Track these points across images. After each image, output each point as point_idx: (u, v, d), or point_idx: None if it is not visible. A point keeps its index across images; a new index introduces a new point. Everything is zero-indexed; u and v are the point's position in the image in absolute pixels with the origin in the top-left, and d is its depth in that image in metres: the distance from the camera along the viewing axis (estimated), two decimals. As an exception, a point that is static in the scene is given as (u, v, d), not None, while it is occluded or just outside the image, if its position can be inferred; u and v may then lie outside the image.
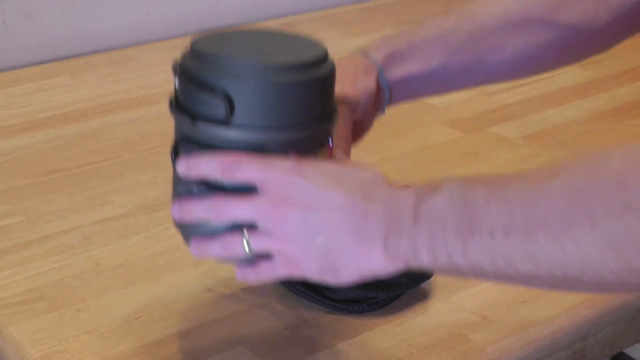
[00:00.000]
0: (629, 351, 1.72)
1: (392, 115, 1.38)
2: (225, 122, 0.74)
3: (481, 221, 0.66)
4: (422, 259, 0.68)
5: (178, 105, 0.78)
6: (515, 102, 1.40)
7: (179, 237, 1.05)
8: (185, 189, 0.78)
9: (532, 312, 0.91)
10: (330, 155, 0.83)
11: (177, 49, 1.77)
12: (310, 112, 0.77)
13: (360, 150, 1.19)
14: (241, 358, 0.86)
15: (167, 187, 1.16)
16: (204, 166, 0.74)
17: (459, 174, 1.11)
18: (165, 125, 1.34)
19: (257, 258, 0.74)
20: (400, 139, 1.25)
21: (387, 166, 1.20)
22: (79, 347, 0.87)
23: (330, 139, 0.81)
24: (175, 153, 0.78)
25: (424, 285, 0.95)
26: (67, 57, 1.61)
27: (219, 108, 0.74)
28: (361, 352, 0.87)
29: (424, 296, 0.94)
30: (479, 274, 0.68)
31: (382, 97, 0.94)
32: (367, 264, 0.70)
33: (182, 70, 0.76)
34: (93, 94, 1.45)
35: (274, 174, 0.72)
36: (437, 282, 0.96)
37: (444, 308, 0.93)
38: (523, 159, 1.22)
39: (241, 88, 0.74)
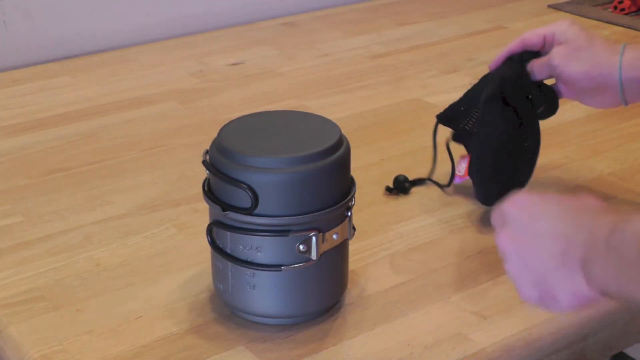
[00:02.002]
0: (629, 351, 1.72)
1: (392, 115, 1.38)
2: (251, 211, 0.83)
3: None
4: (611, 288, 0.70)
5: (211, 192, 0.87)
6: (515, 102, 1.40)
7: (179, 237, 1.05)
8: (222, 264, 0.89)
9: (532, 312, 0.91)
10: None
11: (177, 49, 1.78)
12: (328, 194, 0.86)
13: (361, 150, 1.19)
14: (241, 358, 0.86)
15: (167, 187, 1.16)
16: None
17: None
18: (165, 125, 1.35)
19: None
20: (400, 139, 1.25)
21: (387, 166, 1.20)
22: (79, 347, 0.87)
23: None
24: (210, 233, 0.88)
25: (423, 285, 0.95)
26: (67, 57, 1.61)
27: (245, 199, 0.83)
28: (361, 352, 0.87)
29: (424, 296, 0.94)
30: None
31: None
32: (578, 288, 0.72)
33: (211, 165, 0.86)
34: (93, 94, 1.45)
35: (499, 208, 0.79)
36: (437, 281, 0.96)
37: (444, 308, 0.93)
38: (523, 159, 1.22)
39: (263, 181, 0.83)
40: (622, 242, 0.68)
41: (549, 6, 1.86)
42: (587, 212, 0.74)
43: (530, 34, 1.07)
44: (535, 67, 1.06)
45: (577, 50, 1.03)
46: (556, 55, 1.04)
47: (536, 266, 0.74)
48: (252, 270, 0.86)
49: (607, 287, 0.70)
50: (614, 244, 0.68)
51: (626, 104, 1.04)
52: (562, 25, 1.05)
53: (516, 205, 0.77)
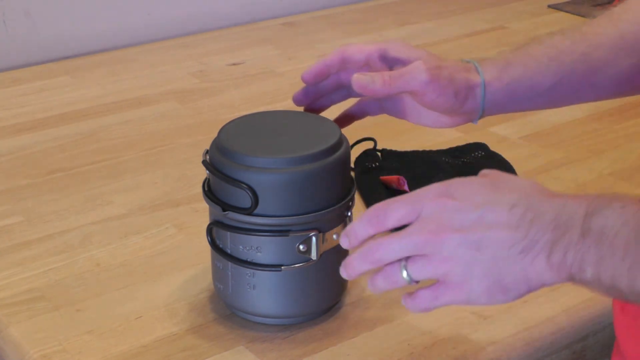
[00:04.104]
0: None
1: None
2: (251, 211, 0.83)
3: None
4: (586, 275, 0.66)
5: (211, 192, 0.87)
6: (515, 102, 1.40)
7: (178, 237, 1.05)
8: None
9: (532, 312, 0.91)
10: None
11: (177, 49, 1.78)
12: (328, 194, 0.86)
13: (361, 150, 1.19)
14: (241, 358, 0.86)
15: (167, 187, 1.16)
16: (360, 233, 0.74)
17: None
18: (165, 125, 1.34)
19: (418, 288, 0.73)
20: (400, 139, 1.25)
21: (387, 166, 1.20)
22: (79, 347, 0.87)
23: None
24: (210, 233, 0.88)
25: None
26: (67, 57, 1.61)
27: (245, 199, 0.83)
28: (361, 352, 0.87)
29: (424, 296, 0.94)
30: None
31: (474, 108, 0.91)
32: (535, 274, 0.68)
33: (211, 165, 0.86)
34: (93, 94, 1.45)
35: (424, 204, 0.71)
36: (437, 282, 0.96)
37: (444, 308, 0.92)
38: (523, 159, 1.22)
39: (263, 181, 0.83)
40: (605, 228, 0.65)
41: (549, 6, 1.86)
42: (539, 195, 0.69)
43: (353, 48, 0.94)
44: (386, 82, 0.88)
45: (439, 69, 0.89)
46: (421, 73, 0.87)
47: (490, 261, 0.68)
48: (252, 270, 0.87)
49: (581, 274, 0.66)
50: (594, 228, 0.65)
51: (476, 122, 0.94)
52: (396, 44, 0.92)
53: (446, 197, 0.71)
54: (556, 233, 0.67)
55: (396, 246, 0.72)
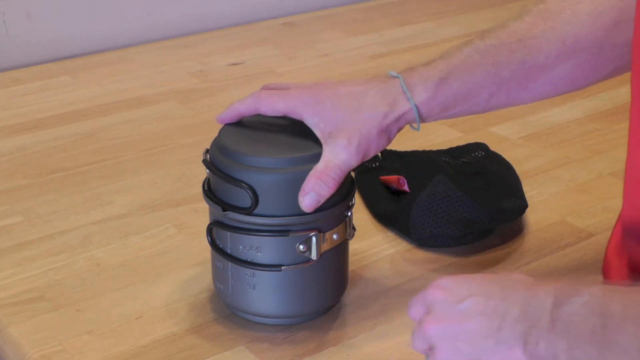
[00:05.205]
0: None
1: (392, 115, 1.38)
2: (251, 211, 0.83)
3: (617, 337, 0.65)
4: None
5: (211, 191, 0.87)
6: (515, 102, 1.40)
7: (179, 237, 1.05)
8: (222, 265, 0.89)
9: (532, 312, 0.91)
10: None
11: (177, 49, 1.77)
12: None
13: (360, 150, 1.19)
14: (241, 358, 0.86)
15: (167, 187, 1.16)
16: None
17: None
18: (165, 125, 1.35)
19: None
20: (400, 139, 1.25)
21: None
22: (79, 347, 0.87)
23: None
24: (210, 233, 0.88)
25: (423, 285, 0.95)
26: (67, 57, 1.61)
27: (245, 199, 0.83)
28: (361, 352, 0.87)
29: (424, 296, 0.94)
30: None
31: (408, 118, 0.90)
32: None
33: (211, 165, 0.86)
34: (93, 94, 1.45)
35: (426, 295, 0.74)
36: (437, 282, 0.96)
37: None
38: (523, 159, 1.22)
39: (263, 181, 0.83)
40: (573, 316, 0.67)
41: (549, 6, 1.86)
42: (516, 286, 0.71)
43: (266, 104, 0.88)
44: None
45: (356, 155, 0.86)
46: (349, 159, 0.86)
47: (470, 349, 0.70)
48: (252, 270, 0.87)
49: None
50: (562, 317, 0.67)
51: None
52: (307, 102, 0.88)
53: (439, 289, 0.73)
54: (526, 324, 0.69)
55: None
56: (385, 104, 0.88)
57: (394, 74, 0.90)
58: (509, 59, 0.90)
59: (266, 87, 0.92)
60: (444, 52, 0.92)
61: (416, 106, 0.89)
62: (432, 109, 0.90)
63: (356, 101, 0.88)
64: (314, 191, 0.84)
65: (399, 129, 0.90)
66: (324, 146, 0.86)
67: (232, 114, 0.90)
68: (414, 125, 0.91)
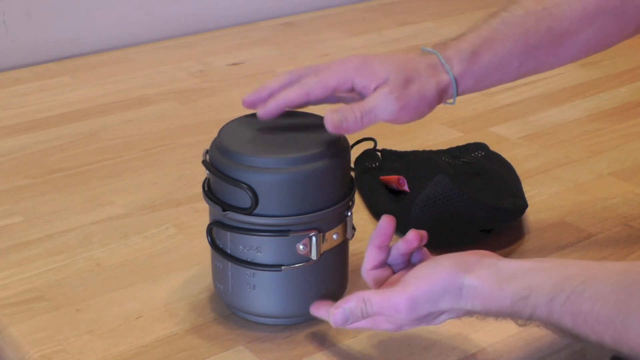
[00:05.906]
0: (629, 351, 1.72)
1: (392, 115, 1.38)
2: (251, 211, 0.83)
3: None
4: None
5: (211, 192, 0.87)
6: (515, 102, 1.41)
7: (179, 237, 1.05)
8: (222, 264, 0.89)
9: (532, 312, 0.91)
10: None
11: (177, 49, 1.77)
12: (328, 194, 0.86)
13: (361, 150, 1.19)
14: (241, 358, 0.86)
15: (167, 187, 1.16)
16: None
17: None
18: (165, 125, 1.34)
19: None
20: (400, 139, 1.25)
21: (387, 166, 1.20)
22: (79, 347, 0.87)
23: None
24: (210, 233, 0.88)
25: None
26: (67, 57, 1.61)
27: (245, 199, 0.83)
28: (361, 352, 0.87)
29: (424, 296, 0.94)
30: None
31: (448, 91, 0.93)
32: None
33: (211, 165, 0.86)
34: (93, 94, 1.45)
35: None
36: (437, 282, 0.96)
37: (444, 308, 0.93)
38: (523, 159, 1.22)
39: (263, 181, 0.83)
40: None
41: (549, 6, 1.86)
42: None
43: (316, 91, 0.89)
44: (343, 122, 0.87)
45: (407, 87, 0.89)
46: (390, 105, 0.88)
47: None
48: (252, 270, 0.87)
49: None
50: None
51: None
52: (356, 68, 0.89)
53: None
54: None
55: None
56: (432, 74, 0.91)
57: (429, 49, 0.93)
58: (537, 27, 0.94)
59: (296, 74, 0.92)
60: (471, 26, 0.96)
61: (455, 80, 0.92)
62: (468, 81, 0.93)
63: (405, 63, 0.91)
64: (344, 116, 0.85)
65: (439, 103, 0.93)
66: (372, 94, 0.88)
67: (278, 105, 0.89)
68: (449, 101, 0.93)
